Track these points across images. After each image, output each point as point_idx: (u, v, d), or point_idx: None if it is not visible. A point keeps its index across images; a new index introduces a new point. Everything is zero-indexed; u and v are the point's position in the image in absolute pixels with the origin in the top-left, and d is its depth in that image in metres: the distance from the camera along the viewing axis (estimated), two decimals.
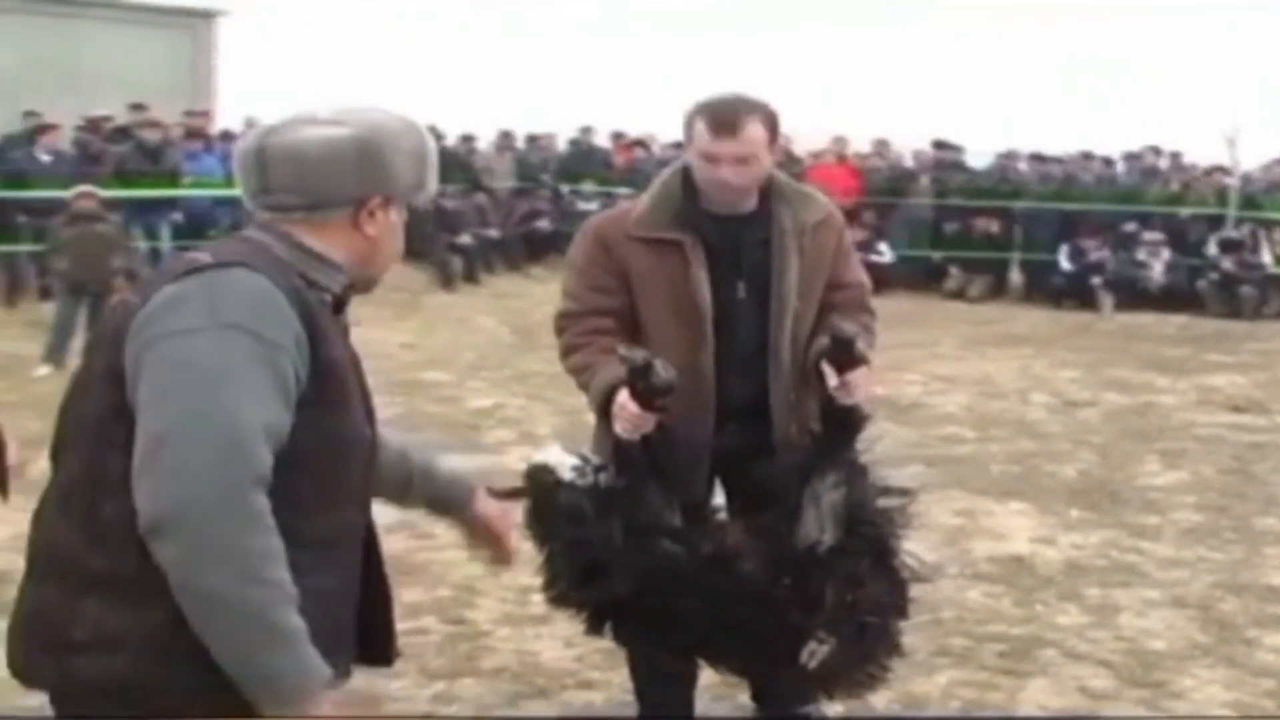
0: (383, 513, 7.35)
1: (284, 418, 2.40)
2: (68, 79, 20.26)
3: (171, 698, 2.39)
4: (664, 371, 3.93)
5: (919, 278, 19.52)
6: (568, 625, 5.75)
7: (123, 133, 17.63)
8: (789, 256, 4.29)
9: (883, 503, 4.42)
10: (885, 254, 19.36)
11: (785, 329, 4.32)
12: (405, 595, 6.30)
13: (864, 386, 4.23)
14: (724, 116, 4.18)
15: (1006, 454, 9.48)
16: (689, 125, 4.26)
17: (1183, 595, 6.56)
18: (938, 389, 12.03)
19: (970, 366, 13.30)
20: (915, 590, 6.29)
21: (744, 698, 4.65)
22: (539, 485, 4.13)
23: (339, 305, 2.67)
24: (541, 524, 4.21)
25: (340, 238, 2.65)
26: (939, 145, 20.72)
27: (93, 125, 17.50)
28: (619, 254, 4.30)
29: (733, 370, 4.34)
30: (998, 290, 19.36)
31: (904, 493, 4.55)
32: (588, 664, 5.57)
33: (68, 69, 21.08)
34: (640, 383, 3.95)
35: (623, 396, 4.02)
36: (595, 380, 4.22)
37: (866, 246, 19.25)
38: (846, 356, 4.20)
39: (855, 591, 4.12)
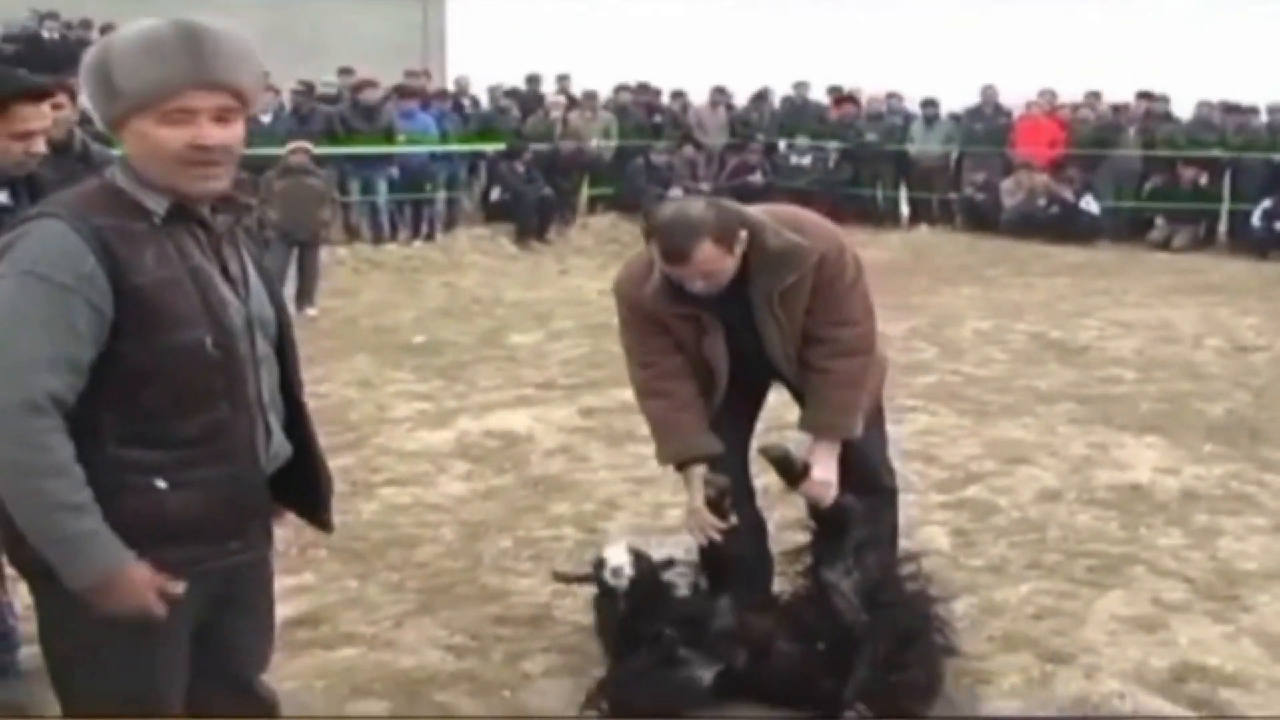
0: (545, 435, 8.13)
1: (80, 347, 2.81)
2: (306, 48, 21.27)
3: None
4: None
5: (1125, 229, 19.45)
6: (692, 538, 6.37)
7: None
8: (767, 322, 4.70)
9: (903, 572, 4.94)
10: (1092, 205, 19.35)
11: (781, 368, 4.86)
12: (552, 508, 7.00)
13: (825, 489, 4.75)
14: (672, 249, 4.46)
15: (1161, 393, 9.68)
16: (647, 240, 4.65)
17: None
18: (1113, 334, 12.19)
19: (1152, 313, 13.37)
20: (1030, 512, 6.78)
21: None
22: (600, 584, 4.84)
23: (201, 221, 3.00)
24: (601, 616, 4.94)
25: (135, 157, 2.95)
26: (1144, 95, 20.53)
27: (308, 88, 18.37)
28: (651, 315, 4.78)
29: None
30: (1204, 241, 19.17)
31: (914, 558, 5.07)
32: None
33: (307, 39, 22.18)
34: (715, 502, 4.75)
35: (697, 504, 4.80)
36: (667, 447, 4.91)
37: (1075, 198, 19.35)
38: (789, 475, 4.79)
39: (894, 674, 4.52)
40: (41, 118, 4.12)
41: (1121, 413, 9.08)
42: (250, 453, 3.05)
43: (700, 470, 4.79)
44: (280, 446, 3.17)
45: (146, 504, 2.90)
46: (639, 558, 4.84)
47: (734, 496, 4.86)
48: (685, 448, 4.84)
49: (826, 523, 4.79)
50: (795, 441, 4.96)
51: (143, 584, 2.89)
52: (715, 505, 4.77)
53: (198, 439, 2.95)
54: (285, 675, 3.79)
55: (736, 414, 5.01)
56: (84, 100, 3.13)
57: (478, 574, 6.08)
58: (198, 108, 2.87)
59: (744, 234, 4.51)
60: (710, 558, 4.95)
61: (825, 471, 4.76)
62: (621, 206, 20.20)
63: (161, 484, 2.91)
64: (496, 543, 6.47)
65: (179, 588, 2.93)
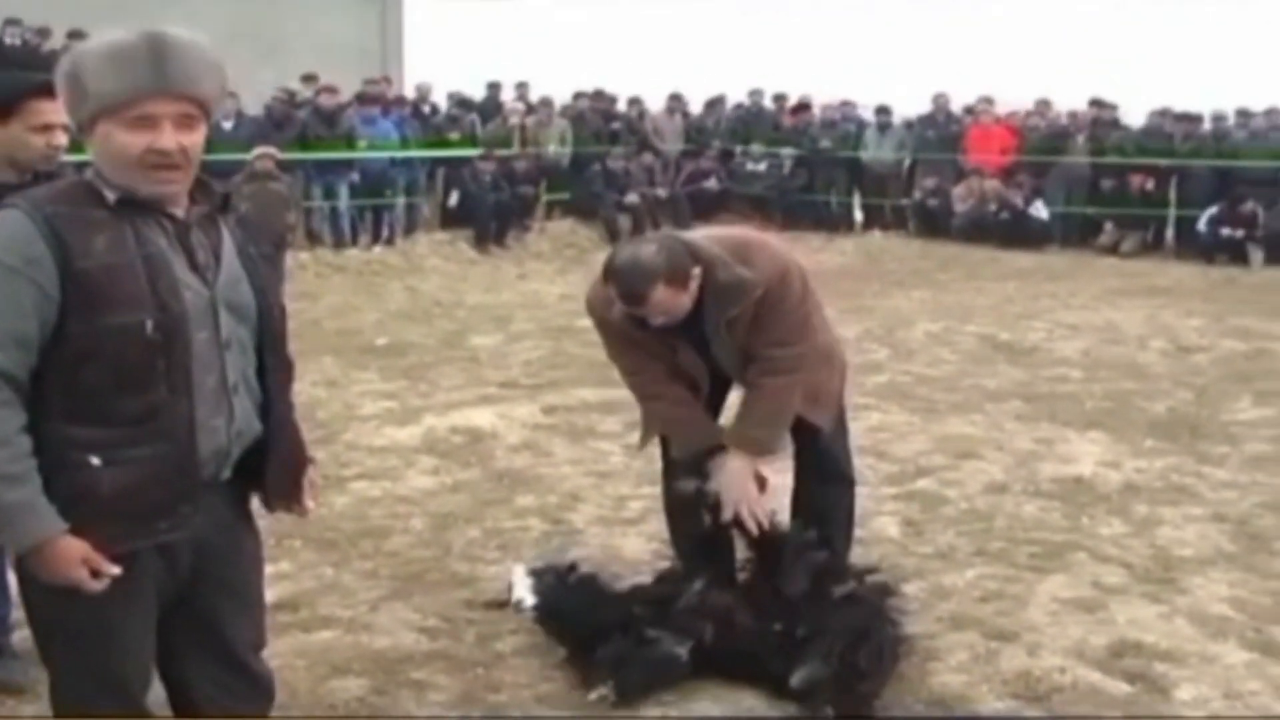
0: (509, 431, 8.36)
1: (26, 325, 3.03)
2: (267, 51, 21.40)
3: None
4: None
5: (1074, 234, 19.83)
6: (656, 523, 6.63)
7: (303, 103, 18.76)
8: (719, 342, 5.00)
9: (857, 566, 5.29)
10: (1041, 211, 19.71)
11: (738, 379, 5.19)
12: (517, 501, 7.25)
13: (755, 515, 5.02)
14: (628, 293, 4.75)
15: (1105, 392, 10.00)
16: (604, 283, 4.92)
17: (1225, 513, 7.08)
18: (1061, 335, 12.53)
19: (1099, 315, 13.72)
20: (977, 503, 7.07)
21: (749, 700, 4.95)
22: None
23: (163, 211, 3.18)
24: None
25: (99, 157, 3.17)
26: (1095, 103, 20.93)
27: (289, 96, 18.63)
28: (622, 332, 5.06)
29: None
30: (1152, 246, 19.55)
31: (871, 570, 5.31)
32: (662, 555, 6.29)
33: (268, 39, 22.31)
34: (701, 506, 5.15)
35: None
36: (680, 441, 5.26)
37: (1025, 204, 19.72)
38: (704, 509, 5.14)
39: (844, 668, 4.75)
40: (58, 112, 4.27)
41: (1067, 410, 9.39)
42: (189, 435, 3.18)
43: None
44: (246, 426, 3.30)
45: (82, 480, 3.07)
46: (541, 577, 5.28)
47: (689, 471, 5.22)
48: (698, 440, 5.18)
49: (761, 546, 5.10)
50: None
51: (71, 557, 3.06)
52: (702, 509, 5.13)
53: (136, 418, 3.11)
54: (268, 655, 4.01)
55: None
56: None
57: (447, 562, 6.31)
58: (159, 114, 3.07)
59: (697, 271, 4.78)
60: (680, 542, 5.40)
61: (736, 489, 5.03)
62: (578, 212, 20.45)
63: (96, 461, 3.08)
64: (464, 533, 6.70)
65: (112, 568, 3.09)
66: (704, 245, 4.87)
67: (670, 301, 4.76)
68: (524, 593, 5.26)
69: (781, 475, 5.40)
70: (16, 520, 3.04)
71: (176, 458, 3.16)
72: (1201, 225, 18.46)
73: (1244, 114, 19.93)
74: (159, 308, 3.09)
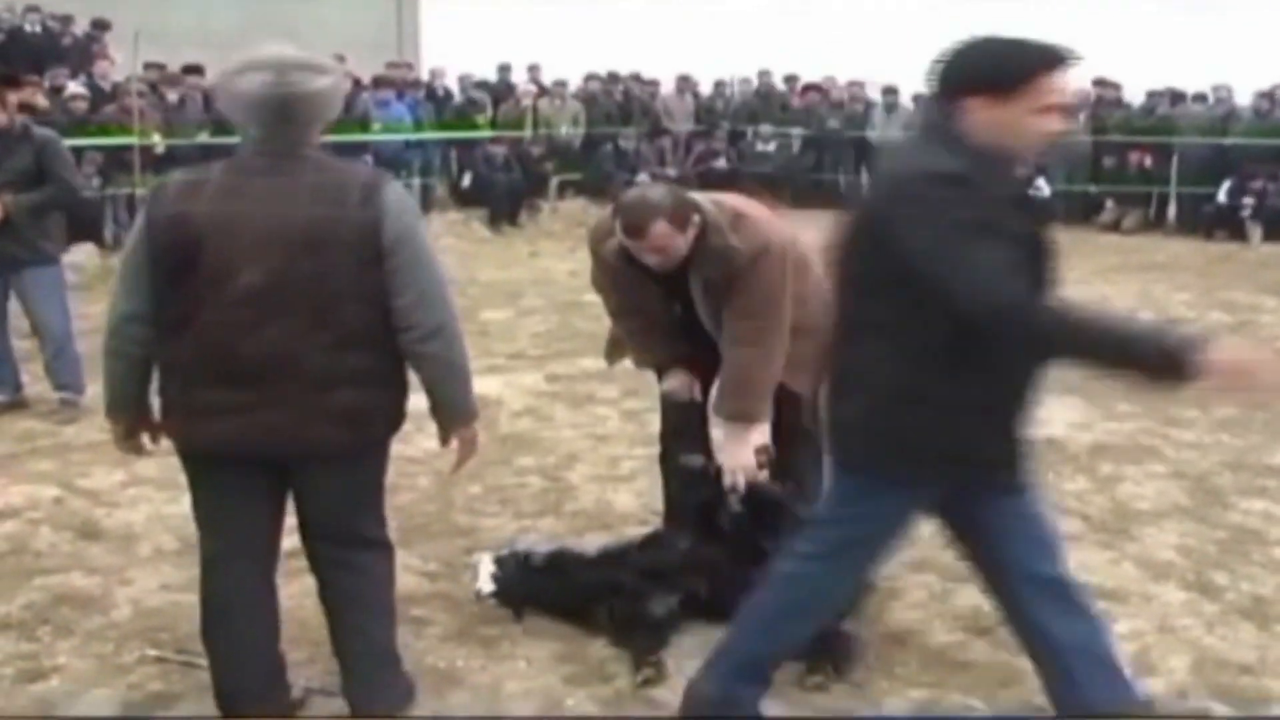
0: (514, 398, 8.78)
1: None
2: (281, 39, 21.73)
3: None
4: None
5: (1076, 211, 20.15)
6: (646, 481, 7.07)
7: None
8: (698, 298, 5.41)
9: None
10: (1043, 188, 20.02)
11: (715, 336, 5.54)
12: (518, 461, 7.68)
13: (736, 475, 5.39)
14: (630, 224, 5.13)
15: None
16: (612, 216, 5.34)
17: (1185, 470, 7.52)
18: None
19: (1092, 290, 14.04)
20: None
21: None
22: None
23: None
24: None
25: None
26: (1099, 83, 21.25)
27: None
28: (608, 263, 5.51)
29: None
30: (1154, 223, 19.87)
31: None
32: (651, 509, 6.72)
33: (283, 28, 22.71)
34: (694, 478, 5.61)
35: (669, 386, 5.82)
36: (645, 354, 5.87)
37: (1028, 182, 20.03)
38: (707, 482, 5.53)
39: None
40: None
41: (1048, 378, 9.75)
42: None
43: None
44: None
45: None
46: (502, 564, 5.61)
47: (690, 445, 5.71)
48: (662, 354, 5.75)
49: (753, 507, 5.45)
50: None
51: None
52: (704, 481, 5.55)
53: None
54: (284, 596, 4.51)
55: (692, 368, 5.78)
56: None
57: (450, 515, 6.76)
58: None
59: (697, 219, 5.17)
60: (675, 507, 5.84)
61: (731, 456, 5.41)
62: (590, 192, 20.83)
63: None
64: (467, 489, 7.13)
65: None
66: (705, 205, 5.26)
67: (667, 240, 5.12)
68: (484, 581, 5.56)
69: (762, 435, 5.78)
70: None
71: None
72: (1222, 196, 18.72)
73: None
74: None
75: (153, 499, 6.92)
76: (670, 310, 5.58)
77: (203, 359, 4.00)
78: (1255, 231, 18.18)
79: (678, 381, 5.78)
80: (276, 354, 3.97)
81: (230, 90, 4.08)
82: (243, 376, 3.98)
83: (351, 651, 4.43)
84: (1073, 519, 6.68)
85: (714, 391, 5.62)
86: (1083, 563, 6.01)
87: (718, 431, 5.71)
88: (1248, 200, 18.44)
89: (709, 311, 5.44)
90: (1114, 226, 19.64)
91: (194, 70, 17.49)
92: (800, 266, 5.48)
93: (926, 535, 6.30)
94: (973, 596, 5.60)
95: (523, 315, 12.80)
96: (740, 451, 5.37)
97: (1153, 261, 16.58)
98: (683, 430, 5.83)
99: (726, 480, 5.38)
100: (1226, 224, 18.48)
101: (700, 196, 5.41)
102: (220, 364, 3.98)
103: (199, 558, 4.42)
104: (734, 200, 5.57)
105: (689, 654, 5.08)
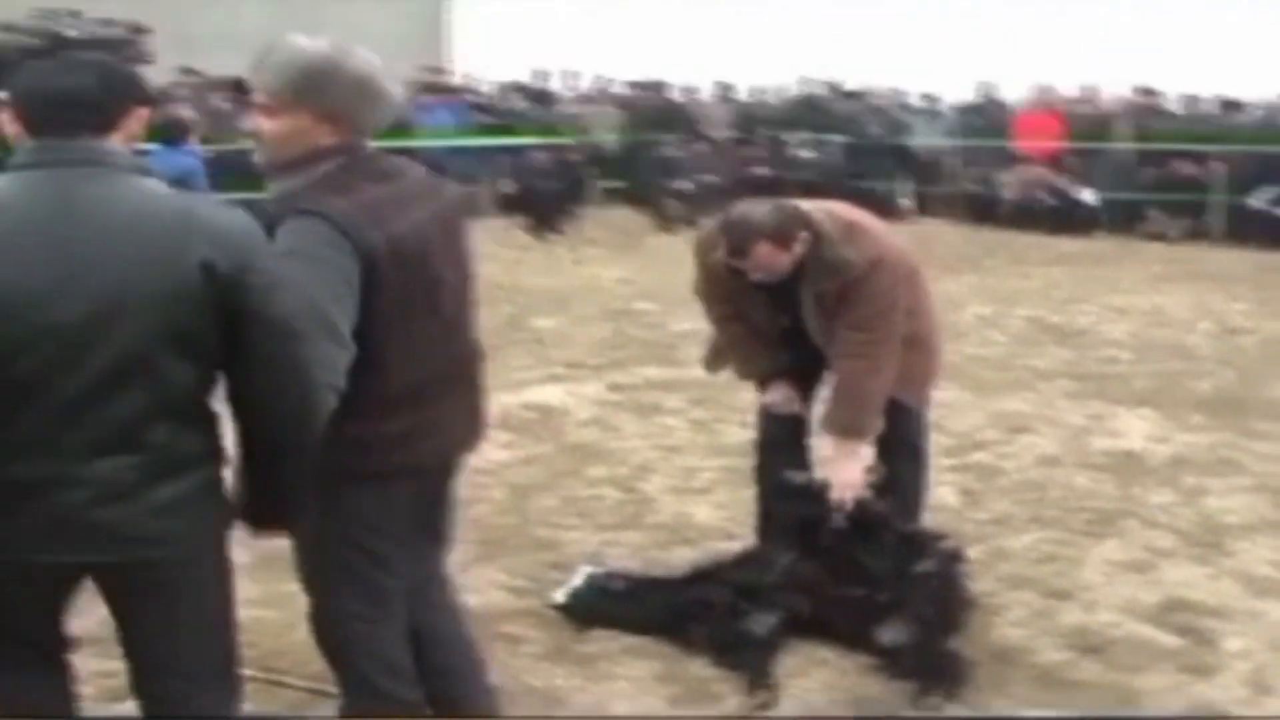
0: (578, 407, 8.69)
1: None
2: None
3: None
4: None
5: (1120, 220, 19.99)
6: (725, 493, 6.98)
7: None
8: (809, 309, 5.34)
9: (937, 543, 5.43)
10: (1088, 197, 19.90)
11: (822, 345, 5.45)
12: (590, 472, 7.58)
13: (844, 492, 5.24)
14: (732, 246, 5.14)
15: (1153, 371, 10.28)
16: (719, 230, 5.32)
17: (1269, 484, 7.37)
18: (1109, 318, 12.79)
19: (1145, 299, 13.95)
20: (1031, 474, 7.37)
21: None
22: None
23: None
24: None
25: None
26: (1141, 90, 21.12)
27: None
28: (713, 272, 5.50)
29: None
30: (1199, 232, 19.66)
31: (941, 537, 5.48)
32: (734, 522, 6.64)
33: (313, 30, 22.55)
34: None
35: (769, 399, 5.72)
36: (747, 366, 5.79)
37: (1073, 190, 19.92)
38: (814, 497, 5.37)
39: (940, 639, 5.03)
40: None
41: (1116, 388, 9.68)
42: None
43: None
44: None
45: None
46: (590, 579, 5.52)
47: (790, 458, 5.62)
48: (765, 365, 5.67)
49: (857, 524, 5.30)
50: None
51: None
52: (809, 497, 5.40)
53: None
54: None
55: (795, 380, 5.68)
56: None
57: (528, 528, 6.66)
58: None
59: (805, 235, 5.10)
60: (771, 523, 5.70)
61: (840, 473, 5.28)
62: (632, 199, 20.74)
63: None
64: (541, 501, 7.04)
65: None
66: (817, 217, 5.17)
67: (770, 260, 5.09)
68: (560, 592, 5.50)
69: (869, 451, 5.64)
70: None
71: None
72: (1256, 204, 18.52)
73: None
74: None
75: None
76: (776, 321, 5.50)
77: None
78: None
79: (780, 394, 5.69)
80: None
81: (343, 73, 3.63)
82: None
83: None
84: (1163, 532, 6.57)
85: (816, 404, 5.54)
86: (1181, 579, 5.94)
87: (819, 445, 5.63)
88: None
89: (820, 323, 5.35)
90: (1160, 235, 19.43)
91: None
92: (911, 278, 5.41)
93: (1018, 551, 6.28)
94: (1076, 613, 5.53)
95: (575, 324, 12.68)
96: (849, 468, 5.26)
97: (1202, 271, 16.36)
98: (782, 443, 5.74)
99: (834, 497, 5.27)
100: (1274, 233, 18.23)
101: (811, 206, 5.32)
102: None
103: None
104: (846, 210, 5.49)
105: (793, 674, 5.02)
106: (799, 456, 5.70)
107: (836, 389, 5.34)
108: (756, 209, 5.19)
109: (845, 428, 5.30)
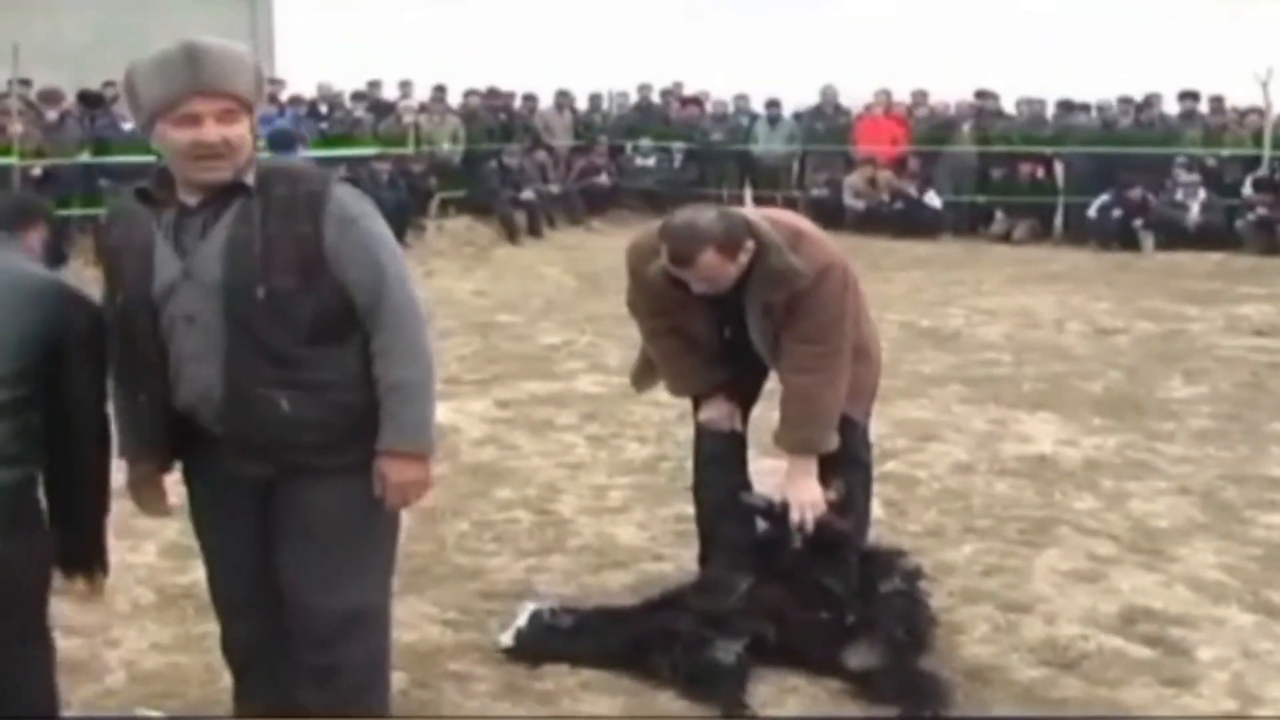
0: (470, 426, 8.33)
1: None
2: (134, 49, 21.00)
3: None
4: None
5: (965, 222, 20.12)
6: (643, 513, 6.70)
7: None
8: (754, 320, 5.09)
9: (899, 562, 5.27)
10: (934, 200, 19.98)
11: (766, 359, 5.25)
12: (497, 493, 7.22)
13: (805, 512, 5.05)
14: (677, 253, 4.85)
15: (1039, 374, 10.23)
16: (659, 239, 4.98)
17: (1188, 485, 7.32)
18: (979, 320, 12.77)
19: (1011, 301, 13.99)
20: (949, 483, 7.20)
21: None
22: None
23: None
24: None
25: (163, 155, 3.64)
26: (980, 94, 21.32)
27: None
28: (649, 286, 5.21)
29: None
30: (1042, 233, 19.85)
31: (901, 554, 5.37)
32: (660, 542, 6.41)
33: (136, 41, 21.85)
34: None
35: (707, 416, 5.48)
36: (680, 382, 5.53)
37: (919, 194, 20.01)
38: (773, 517, 5.17)
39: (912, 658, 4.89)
40: None
41: (1008, 392, 9.60)
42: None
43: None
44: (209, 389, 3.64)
45: None
46: (533, 619, 5.17)
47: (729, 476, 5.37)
48: (701, 381, 5.40)
49: (817, 545, 5.09)
50: (768, 470, 5.39)
51: None
52: (766, 518, 5.20)
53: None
54: None
55: (733, 396, 5.41)
56: None
57: (446, 555, 6.29)
58: (201, 112, 3.48)
59: (750, 244, 4.84)
60: (722, 546, 5.39)
61: (800, 492, 5.06)
62: (474, 209, 20.27)
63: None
64: (454, 526, 6.68)
65: None
66: (762, 226, 4.92)
67: (716, 269, 4.83)
68: (506, 635, 5.16)
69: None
70: None
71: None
72: (1092, 212, 18.77)
73: (1126, 101, 20.29)
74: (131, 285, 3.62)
75: (114, 547, 6.33)
76: (717, 334, 5.23)
77: None
78: (1147, 240, 18.21)
79: (718, 410, 5.42)
80: None
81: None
82: None
83: None
84: (1101, 539, 6.45)
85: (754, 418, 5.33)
86: (1135, 587, 5.81)
87: (758, 463, 5.40)
88: (1117, 213, 18.47)
89: (766, 337, 5.10)
90: (1005, 237, 19.59)
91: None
92: (854, 287, 5.18)
93: (961, 564, 6.09)
94: (1039, 627, 5.37)
95: (440, 338, 12.22)
96: (807, 486, 5.04)
97: (1051, 272, 16.50)
98: (721, 461, 5.47)
99: (794, 517, 5.01)
100: (1117, 233, 18.44)
101: (755, 215, 5.10)
102: None
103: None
104: (790, 218, 5.31)
105: (765, 702, 4.75)
106: (740, 475, 5.45)
107: (790, 404, 5.10)
108: (701, 215, 4.91)
109: (800, 445, 5.09)
